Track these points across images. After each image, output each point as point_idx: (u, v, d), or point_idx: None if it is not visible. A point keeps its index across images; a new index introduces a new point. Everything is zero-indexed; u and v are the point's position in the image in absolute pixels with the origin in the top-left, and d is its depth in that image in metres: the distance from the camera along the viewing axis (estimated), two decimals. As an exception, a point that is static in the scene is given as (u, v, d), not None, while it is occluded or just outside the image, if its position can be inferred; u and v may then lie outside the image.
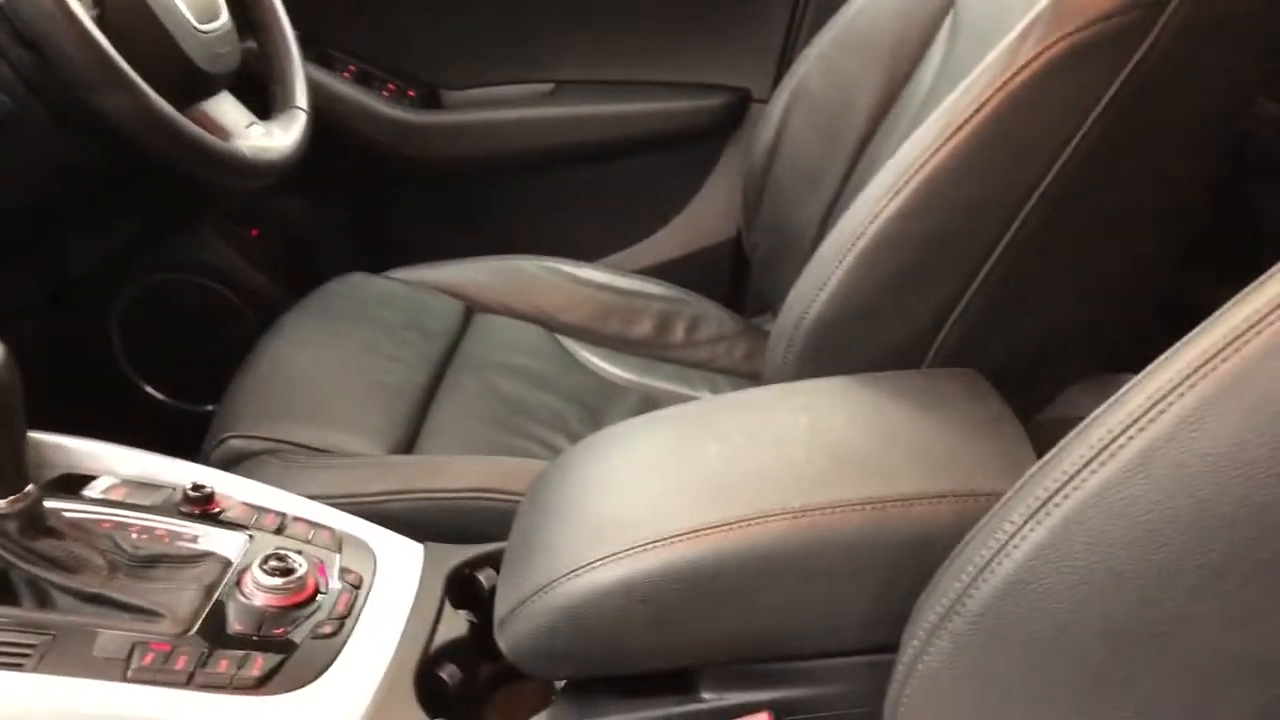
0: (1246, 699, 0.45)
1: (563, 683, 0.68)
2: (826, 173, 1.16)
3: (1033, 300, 0.76)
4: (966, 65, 0.95)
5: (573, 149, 1.42)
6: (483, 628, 0.74)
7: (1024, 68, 0.72)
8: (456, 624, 0.74)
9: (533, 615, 0.62)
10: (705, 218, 1.43)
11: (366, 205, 1.46)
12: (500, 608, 0.65)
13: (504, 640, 0.64)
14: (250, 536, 0.76)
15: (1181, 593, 0.45)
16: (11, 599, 0.69)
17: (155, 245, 1.34)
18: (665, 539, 0.61)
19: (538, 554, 0.65)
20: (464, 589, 0.78)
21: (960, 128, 0.74)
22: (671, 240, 1.44)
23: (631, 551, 0.61)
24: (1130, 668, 0.47)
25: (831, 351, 0.78)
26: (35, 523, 0.70)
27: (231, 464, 0.93)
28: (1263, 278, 0.46)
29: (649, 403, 1.14)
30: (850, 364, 0.77)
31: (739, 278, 1.42)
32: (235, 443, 0.93)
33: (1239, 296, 0.46)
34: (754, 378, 1.22)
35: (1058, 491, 0.48)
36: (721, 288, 1.39)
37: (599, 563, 0.62)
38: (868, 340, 0.78)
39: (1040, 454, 0.62)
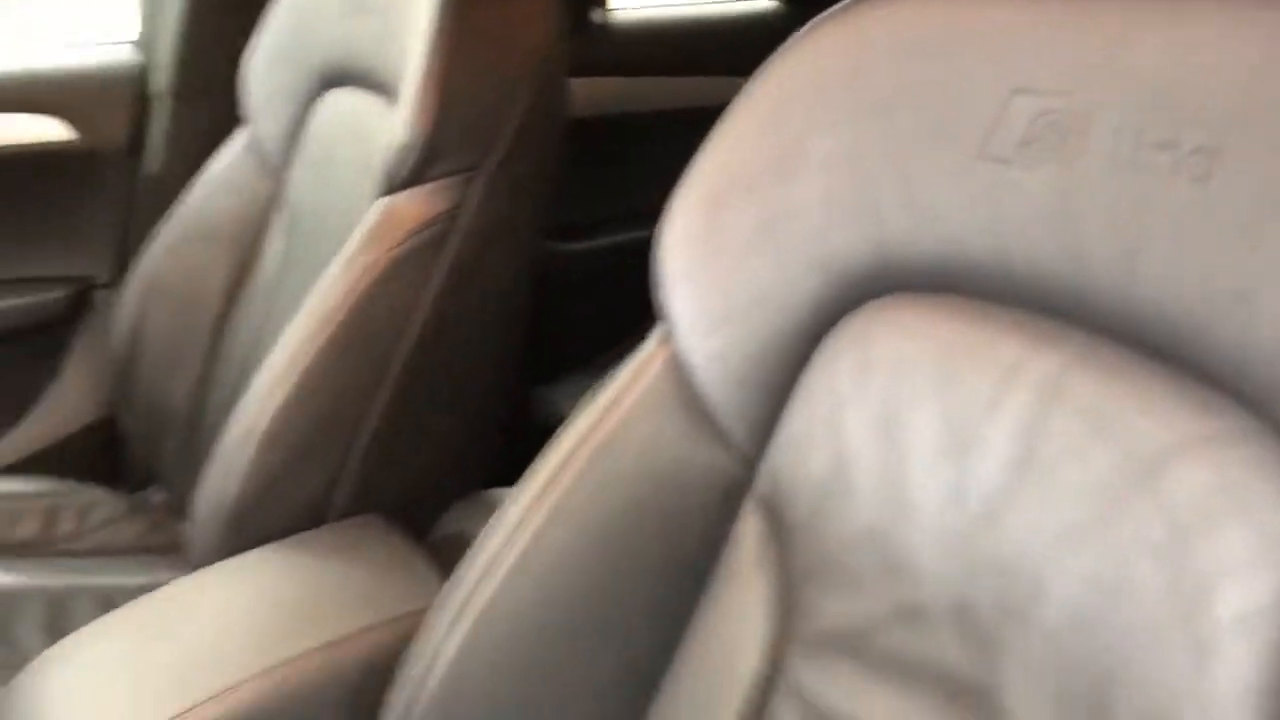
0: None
1: None
2: (189, 354, 1.26)
3: (408, 448, 0.97)
4: (307, 256, 1.14)
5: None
6: None
7: (361, 277, 0.93)
8: None
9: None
10: (68, 405, 1.44)
11: None
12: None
13: None
14: None
15: (555, 664, 0.67)
16: None
17: None
18: (156, 728, 0.71)
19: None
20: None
21: (322, 329, 0.92)
22: (33, 434, 1.43)
23: (126, 747, 0.70)
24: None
25: (250, 525, 0.92)
26: None
27: None
28: (552, 444, 0.69)
29: (56, 605, 1.15)
30: (269, 531, 0.91)
31: (114, 457, 1.46)
32: None
33: (542, 457, 0.69)
34: (152, 551, 1.28)
35: (462, 607, 0.67)
36: (98, 469, 1.42)
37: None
38: (280, 509, 0.92)
39: (438, 569, 0.82)
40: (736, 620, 0.63)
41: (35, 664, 0.81)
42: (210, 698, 0.72)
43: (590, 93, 1.49)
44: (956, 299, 0.57)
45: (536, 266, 1.13)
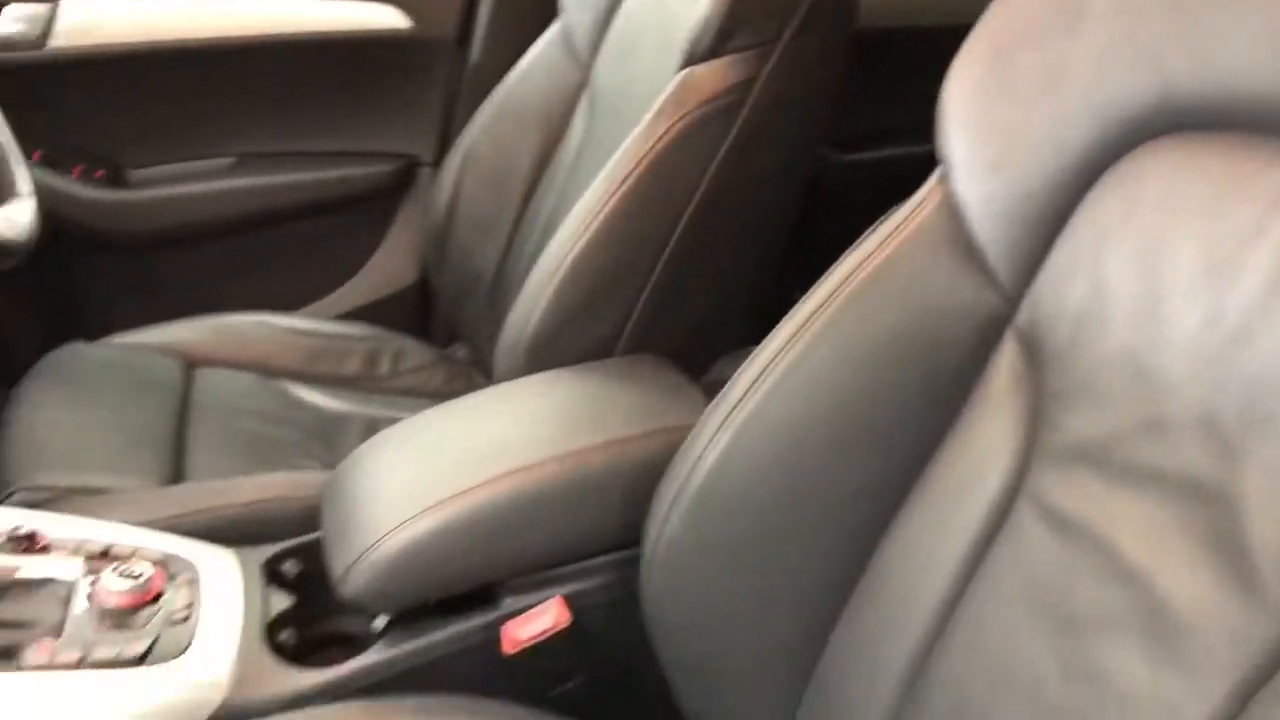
0: (854, 527, 0.73)
1: (382, 622, 0.87)
2: (498, 223, 1.40)
3: (687, 300, 1.06)
4: (606, 134, 1.24)
5: (260, 215, 1.57)
6: (299, 602, 0.91)
7: (660, 139, 1.01)
8: (280, 600, 0.91)
9: (368, 567, 0.82)
10: (389, 267, 1.63)
11: (59, 282, 1.53)
12: (337, 567, 0.84)
13: (347, 590, 0.83)
14: (82, 560, 0.88)
15: (811, 469, 0.73)
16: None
17: None
18: (464, 491, 0.83)
19: (360, 521, 0.85)
20: (273, 578, 0.94)
21: (622, 184, 1.02)
22: (361, 288, 1.63)
23: (439, 504, 0.82)
24: (781, 524, 0.74)
25: (547, 355, 1.03)
26: (-106, 566, 0.80)
27: (21, 515, 1.02)
28: (822, 278, 0.75)
29: (371, 428, 1.32)
30: (563, 362, 1.02)
31: (426, 316, 1.64)
32: (21, 495, 1.03)
33: (813, 288, 0.75)
34: (454, 396, 1.43)
35: (729, 414, 0.75)
36: (412, 325, 1.60)
37: (413, 518, 0.82)
38: (573, 343, 1.04)
39: (708, 403, 0.90)
40: (985, 439, 0.68)
41: (355, 452, 0.96)
42: (508, 473, 0.83)
43: (880, 4, 1.51)
44: (1233, 135, 0.59)
45: (813, 171, 1.19)
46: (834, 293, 0.73)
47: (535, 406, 0.92)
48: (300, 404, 1.36)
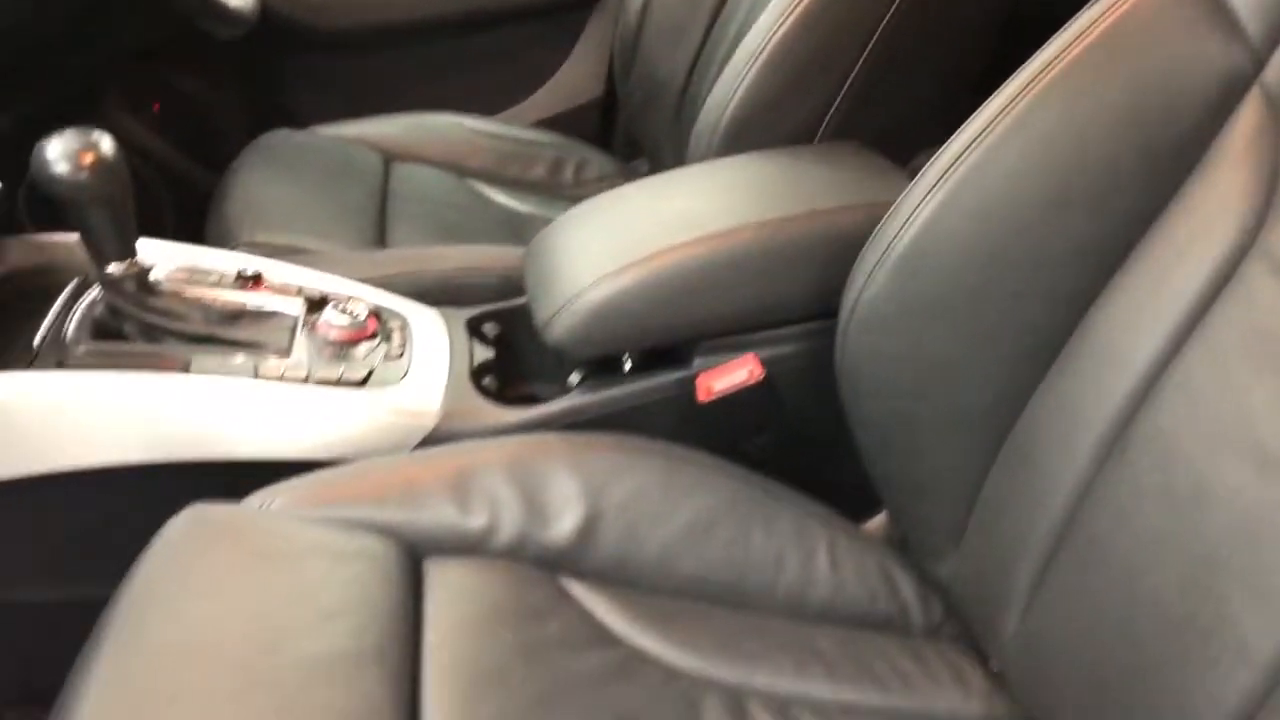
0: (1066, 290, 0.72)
1: (577, 379, 0.91)
2: (690, 31, 1.39)
3: (889, 94, 1.04)
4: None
5: (456, 20, 1.60)
6: (498, 359, 0.96)
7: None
8: (482, 351, 0.95)
9: (570, 315, 0.85)
10: (577, 79, 1.65)
11: (265, 74, 1.60)
12: (542, 315, 0.88)
13: (551, 335, 0.87)
14: (303, 300, 0.94)
15: (1026, 229, 0.72)
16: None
17: (61, 120, 1.43)
18: (663, 251, 0.85)
19: (564, 274, 0.88)
20: (474, 335, 0.99)
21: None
22: (549, 99, 1.65)
23: (638, 262, 0.85)
24: (989, 285, 0.74)
25: (744, 140, 1.03)
26: (144, 284, 0.87)
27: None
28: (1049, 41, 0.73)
29: (559, 228, 1.36)
30: (760, 148, 1.02)
31: (609, 129, 1.65)
32: (243, 249, 1.10)
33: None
34: (635, 208, 1.45)
35: (942, 175, 0.74)
36: (596, 138, 1.62)
37: (616, 272, 0.85)
38: (770, 130, 1.03)
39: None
40: (1216, 199, 0.66)
41: (560, 218, 0.99)
42: (705, 237, 0.85)
43: None
44: None
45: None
46: (1062, 52, 0.71)
47: (734, 179, 0.93)
48: (489, 201, 1.40)
